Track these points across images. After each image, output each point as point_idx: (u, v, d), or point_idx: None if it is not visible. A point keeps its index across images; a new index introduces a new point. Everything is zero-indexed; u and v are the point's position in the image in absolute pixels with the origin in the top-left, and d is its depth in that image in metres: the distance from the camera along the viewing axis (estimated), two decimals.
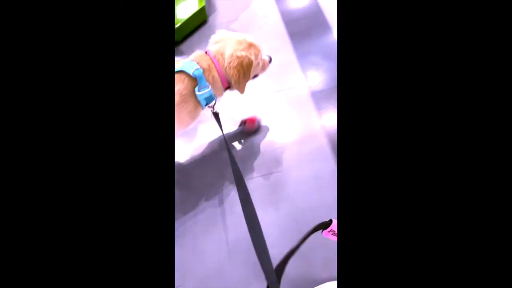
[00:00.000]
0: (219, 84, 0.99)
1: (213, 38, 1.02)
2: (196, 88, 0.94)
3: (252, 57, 0.97)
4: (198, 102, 0.97)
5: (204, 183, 1.25)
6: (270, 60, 1.11)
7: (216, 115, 1.02)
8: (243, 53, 0.95)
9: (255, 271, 1.03)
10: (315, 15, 1.63)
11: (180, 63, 0.95)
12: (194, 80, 0.94)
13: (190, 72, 0.92)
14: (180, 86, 0.93)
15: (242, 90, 1.01)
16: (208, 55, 0.98)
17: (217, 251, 1.12)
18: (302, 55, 1.51)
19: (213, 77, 0.97)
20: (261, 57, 1.05)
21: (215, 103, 1.01)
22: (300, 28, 1.59)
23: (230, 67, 0.95)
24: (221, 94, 1.05)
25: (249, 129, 1.32)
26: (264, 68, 1.10)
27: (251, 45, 0.99)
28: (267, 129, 1.34)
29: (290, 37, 1.57)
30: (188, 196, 1.23)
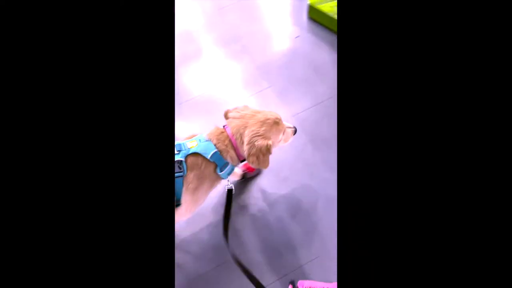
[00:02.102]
0: (236, 161, 0.99)
1: (233, 112, 0.99)
2: (218, 169, 0.93)
3: (270, 142, 0.94)
4: (216, 179, 0.95)
5: None
6: (295, 131, 1.08)
7: (230, 191, 1.00)
8: (261, 142, 0.92)
9: None
10: None
11: (195, 142, 0.92)
12: (212, 163, 0.92)
13: (208, 156, 0.90)
14: (196, 171, 0.90)
15: (265, 167, 0.99)
16: (226, 132, 0.95)
17: None
18: None
19: (231, 157, 0.96)
20: (285, 130, 1.02)
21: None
22: None
23: (250, 154, 0.93)
24: (238, 165, 1.04)
25: (251, 174, 1.30)
26: (286, 140, 1.07)
27: (275, 123, 0.96)
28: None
29: None
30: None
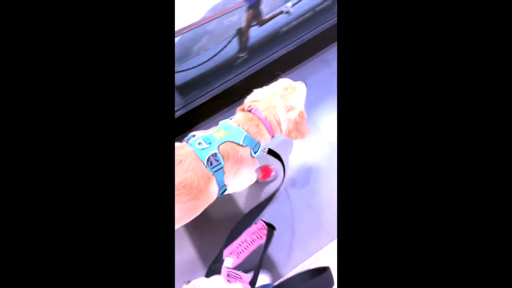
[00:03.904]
0: (268, 140, 1.00)
1: (252, 96, 1.00)
2: (252, 152, 0.93)
3: (301, 109, 0.97)
4: (253, 160, 0.96)
5: None
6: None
7: (271, 151, 1.02)
8: (293, 113, 0.95)
9: None
10: None
11: (221, 131, 0.91)
12: (245, 146, 0.91)
13: (240, 141, 0.90)
14: (232, 158, 0.89)
15: (308, 132, 1.02)
16: (256, 115, 0.95)
17: None
18: None
19: (265, 139, 0.97)
20: (302, 88, 1.04)
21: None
22: None
23: (290, 131, 0.97)
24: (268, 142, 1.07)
25: (265, 179, 1.29)
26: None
27: (293, 89, 0.99)
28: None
29: None
30: None
